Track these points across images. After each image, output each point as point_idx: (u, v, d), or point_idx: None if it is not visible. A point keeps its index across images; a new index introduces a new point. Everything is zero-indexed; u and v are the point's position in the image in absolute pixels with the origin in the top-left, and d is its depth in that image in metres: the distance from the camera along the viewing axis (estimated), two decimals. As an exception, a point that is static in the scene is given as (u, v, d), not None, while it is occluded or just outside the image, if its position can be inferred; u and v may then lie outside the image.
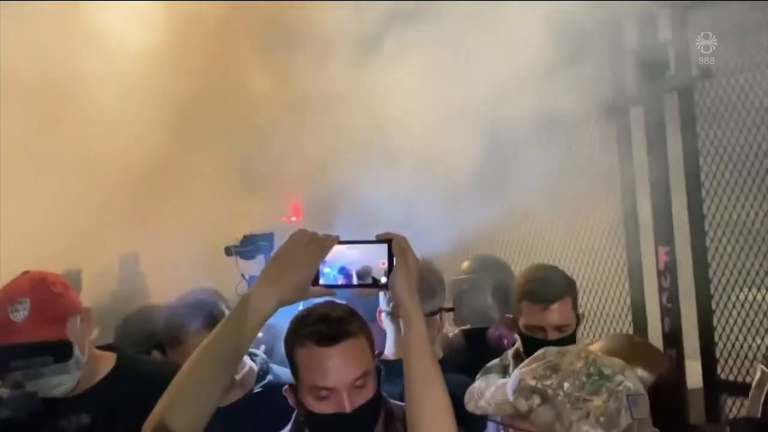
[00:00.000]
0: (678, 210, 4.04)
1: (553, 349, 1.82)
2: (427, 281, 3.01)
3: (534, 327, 3.15)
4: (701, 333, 4.08)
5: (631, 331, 4.31)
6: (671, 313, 4.11)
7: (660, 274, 4.14)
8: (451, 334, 3.93)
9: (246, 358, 3.16)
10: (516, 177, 3.68)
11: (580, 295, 4.66)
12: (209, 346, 1.93)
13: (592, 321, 4.63)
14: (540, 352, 1.82)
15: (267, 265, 2.01)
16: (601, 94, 3.94)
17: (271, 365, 3.16)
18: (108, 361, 2.73)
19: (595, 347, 2.46)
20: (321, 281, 2.02)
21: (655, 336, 4.17)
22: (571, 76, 3.50)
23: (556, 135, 3.76)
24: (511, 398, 1.74)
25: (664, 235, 4.13)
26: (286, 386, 2.21)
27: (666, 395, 2.19)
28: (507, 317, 3.37)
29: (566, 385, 1.72)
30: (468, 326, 3.92)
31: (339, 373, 2.11)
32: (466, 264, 4.11)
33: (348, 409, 2.10)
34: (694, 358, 4.08)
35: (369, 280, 2.05)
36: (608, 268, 4.58)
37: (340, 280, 2.04)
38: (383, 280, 2.04)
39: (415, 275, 2.05)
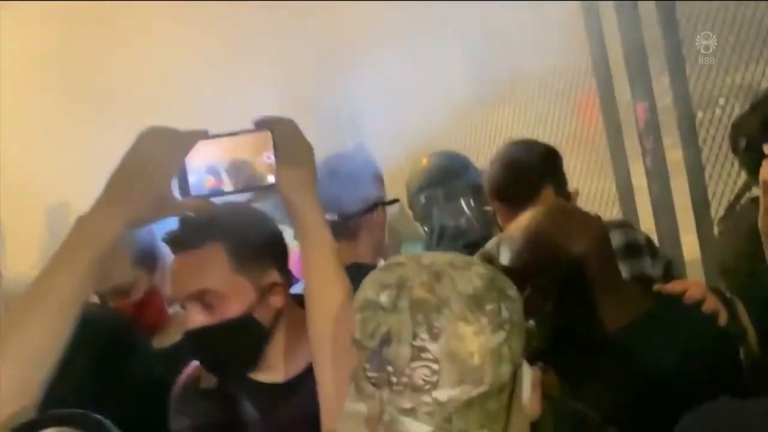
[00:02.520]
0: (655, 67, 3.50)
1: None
2: (353, 172, 2.59)
3: None
4: (693, 195, 3.58)
5: (617, 203, 3.81)
6: (657, 177, 3.61)
7: (641, 134, 3.61)
8: None
9: None
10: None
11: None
12: (34, 288, 1.46)
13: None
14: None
15: (110, 177, 1.49)
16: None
17: None
18: None
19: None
20: (193, 190, 1.52)
21: (644, 204, 3.68)
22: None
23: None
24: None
25: (642, 88, 3.58)
26: None
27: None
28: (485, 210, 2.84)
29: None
30: None
31: (174, 282, 1.85)
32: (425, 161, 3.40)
33: (189, 325, 1.83)
34: (688, 230, 3.60)
35: (249, 181, 1.56)
36: (584, 131, 4.04)
37: (212, 184, 1.53)
38: (270, 179, 1.56)
39: (308, 168, 1.60)
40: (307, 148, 1.61)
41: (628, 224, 2.80)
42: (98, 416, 1.64)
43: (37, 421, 1.50)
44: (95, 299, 2.74)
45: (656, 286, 2.13)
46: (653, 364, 1.87)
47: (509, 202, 2.57)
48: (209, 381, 1.97)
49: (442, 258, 1.35)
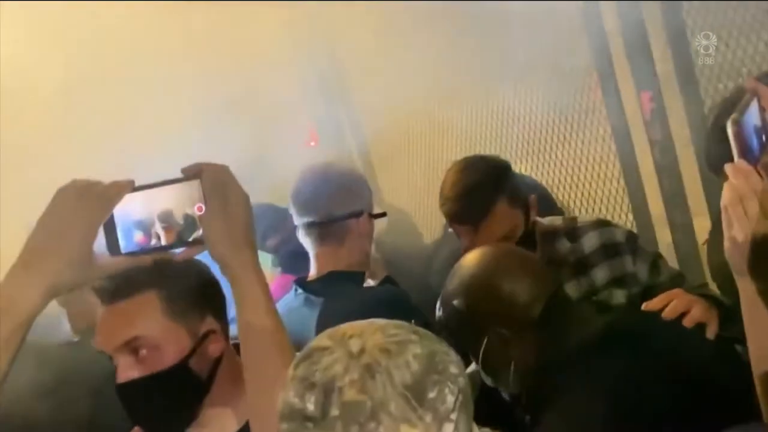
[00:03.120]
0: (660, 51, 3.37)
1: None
2: (340, 176, 2.64)
3: None
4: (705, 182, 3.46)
5: (626, 199, 3.70)
6: (668, 169, 3.49)
7: (647, 125, 3.49)
8: None
9: None
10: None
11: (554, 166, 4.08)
12: None
13: (575, 192, 4.00)
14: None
15: (27, 240, 1.40)
16: None
17: None
18: None
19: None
20: (123, 247, 1.43)
21: (654, 197, 3.57)
22: None
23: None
24: None
25: (645, 77, 3.44)
26: None
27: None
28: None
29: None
30: None
31: (104, 332, 1.76)
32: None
33: (120, 379, 1.75)
34: (701, 215, 3.48)
35: (183, 235, 1.48)
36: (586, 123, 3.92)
37: (141, 240, 1.45)
38: (201, 233, 1.46)
39: (241, 221, 1.47)
40: (241, 198, 1.48)
41: (603, 223, 2.79)
42: None
43: None
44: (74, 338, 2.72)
45: (645, 305, 2.07)
46: (624, 387, 1.82)
47: (468, 223, 2.58)
48: None
49: (372, 338, 1.20)
